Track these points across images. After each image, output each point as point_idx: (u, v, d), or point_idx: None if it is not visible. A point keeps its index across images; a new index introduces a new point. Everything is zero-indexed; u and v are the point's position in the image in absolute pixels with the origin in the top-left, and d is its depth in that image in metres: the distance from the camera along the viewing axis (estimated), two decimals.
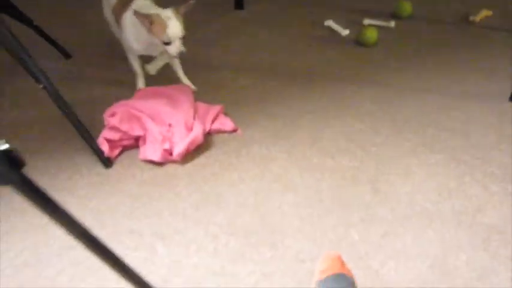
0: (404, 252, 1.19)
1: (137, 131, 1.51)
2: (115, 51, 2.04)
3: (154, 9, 1.55)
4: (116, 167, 1.48)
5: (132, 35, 1.61)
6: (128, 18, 1.61)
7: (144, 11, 1.52)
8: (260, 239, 1.24)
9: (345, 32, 2.18)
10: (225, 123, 1.62)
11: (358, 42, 2.11)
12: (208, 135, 1.59)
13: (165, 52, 1.60)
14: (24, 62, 1.39)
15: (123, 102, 1.57)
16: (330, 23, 2.24)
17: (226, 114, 1.66)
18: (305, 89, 1.82)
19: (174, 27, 1.50)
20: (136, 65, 1.76)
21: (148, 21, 1.49)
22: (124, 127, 1.49)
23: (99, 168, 1.47)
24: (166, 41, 1.51)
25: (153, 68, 1.83)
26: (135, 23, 1.56)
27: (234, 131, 1.61)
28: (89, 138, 1.46)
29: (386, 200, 1.35)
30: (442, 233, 1.24)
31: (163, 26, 1.49)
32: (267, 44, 2.11)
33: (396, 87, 1.83)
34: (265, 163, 1.49)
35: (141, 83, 1.79)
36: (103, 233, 1.25)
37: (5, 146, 0.56)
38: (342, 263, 1.03)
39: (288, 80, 1.87)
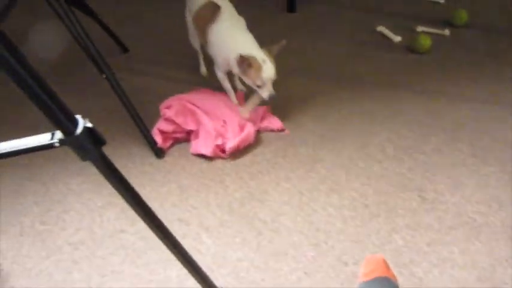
0: (451, 262, 1.18)
1: (190, 125, 1.56)
2: (171, 48, 2.12)
3: (243, 39, 1.54)
4: (168, 158, 1.54)
5: (222, 53, 1.58)
6: (216, 33, 1.58)
7: (230, 32, 1.54)
8: (303, 237, 1.26)
9: (397, 39, 2.16)
10: (273, 121, 1.65)
11: (411, 49, 2.08)
12: (256, 133, 1.62)
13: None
14: (90, 52, 1.48)
15: (179, 95, 1.63)
16: (381, 28, 2.23)
17: (274, 114, 1.69)
18: (354, 93, 1.83)
19: (269, 70, 1.49)
20: (225, 83, 1.67)
21: (246, 63, 1.48)
22: (178, 120, 1.55)
23: (152, 158, 1.53)
24: (259, 84, 1.51)
25: (245, 111, 1.62)
26: (225, 40, 1.56)
27: (282, 130, 1.63)
28: (144, 129, 1.53)
29: (434, 209, 1.33)
30: (490, 246, 1.22)
31: (259, 70, 1.48)
32: (317, 47, 2.12)
33: (448, 95, 1.80)
34: (311, 164, 1.50)
35: (234, 99, 1.69)
36: None
37: (90, 124, 0.61)
38: (387, 266, 1.03)
39: (337, 84, 1.88)
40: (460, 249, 1.21)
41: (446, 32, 2.19)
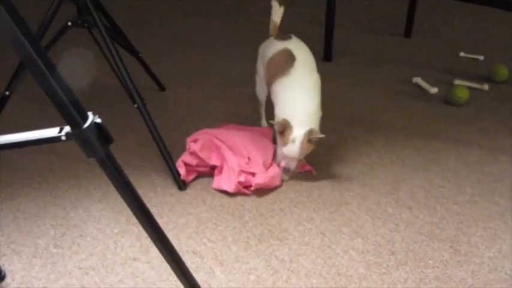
0: None
1: (214, 161, 1.55)
2: (205, 91, 2.16)
3: (299, 105, 1.47)
4: (189, 191, 1.51)
5: (276, 108, 1.52)
6: (280, 86, 1.51)
7: (292, 92, 1.49)
8: (322, 280, 1.18)
9: (433, 90, 2.11)
10: (300, 163, 1.61)
11: (448, 101, 2.03)
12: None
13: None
14: (125, 82, 1.53)
15: (206, 130, 1.63)
16: (418, 80, 2.20)
17: None
18: (386, 140, 1.77)
19: (290, 150, 1.45)
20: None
21: (279, 129, 1.45)
22: (203, 154, 1.54)
23: (174, 189, 1.51)
24: (279, 154, 1.51)
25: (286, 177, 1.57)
26: (284, 97, 1.51)
27: (309, 171, 1.59)
28: (169, 160, 1.53)
29: (467, 262, 1.22)
30: None
31: (284, 143, 1.45)
32: (351, 95, 2.11)
33: (486, 148, 1.71)
34: (336, 206, 1.44)
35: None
36: None
37: (99, 120, 0.61)
38: None
39: (369, 130, 1.84)
40: None
41: (485, 86, 2.13)
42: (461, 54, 2.49)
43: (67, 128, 0.60)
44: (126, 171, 1.59)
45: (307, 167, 1.59)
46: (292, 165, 1.51)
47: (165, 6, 3.21)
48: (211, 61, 2.43)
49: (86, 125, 0.59)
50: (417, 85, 2.19)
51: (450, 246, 1.27)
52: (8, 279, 1.19)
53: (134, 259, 1.25)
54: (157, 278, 1.19)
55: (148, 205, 1.44)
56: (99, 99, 2.04)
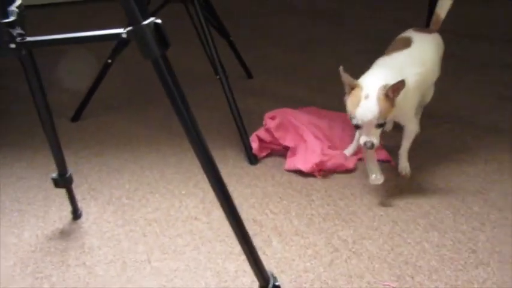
0: None
1: (288, 142, 1.51)
2: (292, 81, 2.15)
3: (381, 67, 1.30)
4: (260, 166, 1.49)
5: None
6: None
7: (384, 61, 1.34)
8: (386, 266, 1.07)
9: None
10: (380, 152, 1.50)
11: None
12: (359, 159, 1.49)
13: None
14: (211, 54, 1.57)
15: (286, 109, 1.61)
16: None
17: (383, 145, 1.55)
18: (483, 140, 1.59)
19: (364, 110, 1.18)
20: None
21: (348, 85, 1.23)
22: (277, 133, 1.51)
23: (245, 163, 1.50)
24: (354, 123, 1.22)
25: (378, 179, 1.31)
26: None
27: (388, 161, 1.48)
28: (243, 133, 1.53)
29: None
30: None
31: (354, 103, 1.20)
32: (448, 96, 1.93)
33: None
34: (414, 197, 1.31)
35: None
36: None
37: (159, 21, 0.61)
38: None
39: (464, 129, 1.66)
40: None
41: None
42: None
43: (130, 27, 0.62)
44: None
45: (384, 155, 1.48)
46: (374, 138, 1.20)
47: (263, 4, 3.29)
48: (305, 57, 2.41)
49: (145, 23, 0.60)
50: None
51: None
52: (83, 218, 1.27)
53: (195, 218, 1.25)
54: (213, 238, 1.18)
55: None
56: (185, 76, 2.13)
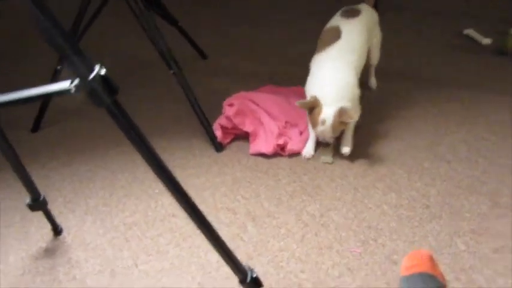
0: None
1: (247, 127, 1.56)
2: (246, 56, 2.18)
3: (334, 82, 1.39)
4: (226, 152, 1.56)
5: (308, 84, 1.48)
6: (316, 60, 1.49)
7: (327, 66, 1.43)
8: (352, 233, 1.18)
9: (486, 41, 1.98)
10: None
11: (501, 51, 1.89)
12: None
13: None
14: (161, 49, 1.58)
15: (243, 93, 1.66)
16: (469, 31, 2.06)
17: None
18: (431, 94, 1.70)
19: (322, 133, 1.39)
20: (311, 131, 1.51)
21: (310, 106, 1.39)
22: (236, 120, 1.57)
23: (211, 151, 1.57)
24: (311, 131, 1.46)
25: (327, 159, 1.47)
26: (315, 73, 1.47)
27: None
28: (206, 124, 1.58)
29: (506, 215, 1.17)
30: None
31: (313, 124, 1.39)
32: (400, 50, 2.02)
33: None
34: (371, 162, 1.42)
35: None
36: (202, 207, 1.29)
37: (104, 71, 0.65)
38: (433, 264, 0.92)
39: (414, 85, 1.77)
40: None
41: None
42: None
43: (76, 81, 0.65)
44: (168, 134, 1.68)
45: None
46: (329, 139, 1.42)
47: None
48: (257, 30, 2.43)
49: (91, 77, 0.63)
50: (468, 37, 2.06)
51: (490, 200, 1.22)
52: (64, 233, 1.32)
53: (173, 215, 1.33)
54: (193, 232, 1.25)
55: (186, 167, 1.51)
56: (137, 72, 2.13)
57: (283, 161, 1.48)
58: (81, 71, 0.63)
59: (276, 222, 1.25)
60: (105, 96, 0.65)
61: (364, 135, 1.54)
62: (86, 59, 0.65)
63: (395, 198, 1.27)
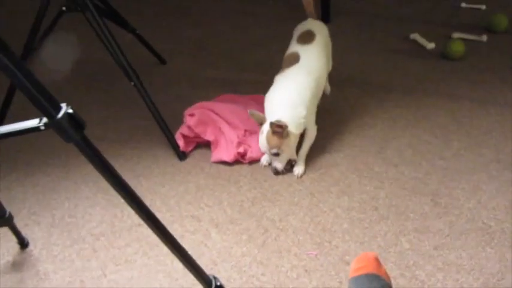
0: (457, 266, 1.14)
1: (208, 136, 1.62)
2: (206, 60, 2.23)
3: (283, 100, 1.49)
4: (189, 160, 1.62)
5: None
6: (275, 81, 1.57)
7: (281, 87, 1.52)
8: (308, 237, 1.28)
9: (430, 46, 2.12)
10: None
11: (444, 55, 2.04)
12: None
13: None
14: (119, 61, 1.61)
15: (203, 103, 1.71)
16: (415, 36, 2.20)
17: None
18: (379, 100, 1.82)
19: (261, 143, 1.48)
20: None
21: (257, 117, 1.50)
22: (198, 129, 1.62)
23: (174, 160, 1.62)
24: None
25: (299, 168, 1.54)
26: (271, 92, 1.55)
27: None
28: (168, 134, 1.63)
29: (446, 213, 1.30)
30: (502, 252, 1.16)
31: (259, 136, 1.50)
32: (348, 55, 2.14)
33: (477, 100, 1.74)
34: (326, 168, 1.52)
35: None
36: (167, 215, 1.39)
37: (70, 110, 0.70)
38: (378, 264, 1.03)
39: (363, 91, 1.88)
40: (468, 254, 1.17)
41: (484, 37, 2.12)
42: (463, 5, 2.45)
43: (44, 119, 0.70)
44: (131, 145, 1.72)
45: None
46: (277, 164, 1.48)
47: None
48: (213, 33, 2.48)
49: (59, 116, 0.68)
50: (414, 41, 2.19)
51: (431, 200, 1.35)
52: (30, 246, 1.35)
53: (139, 225, 1.38)
54: (159, 241, 1.31)
55: (150, 176, 1.56)
56: (102, 80, 2.14)
57: (244, 168, 1.55)
58: (48, 110, 0.68)
59: (238, 228, 1.33)
60: (73, 132, 0.70)
61: (319, 140, 1.63)
62: (52, 99, 0.69)
63: (347, 201, 1.38)
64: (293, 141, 1.49)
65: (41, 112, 0.69)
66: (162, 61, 2.26)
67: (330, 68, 1.78)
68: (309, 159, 1.56)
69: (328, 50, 1.73)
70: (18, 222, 1.34)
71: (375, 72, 2.00)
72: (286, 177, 1.50)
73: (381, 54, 2.13)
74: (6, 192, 1.53)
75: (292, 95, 1.50)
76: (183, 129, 1.64)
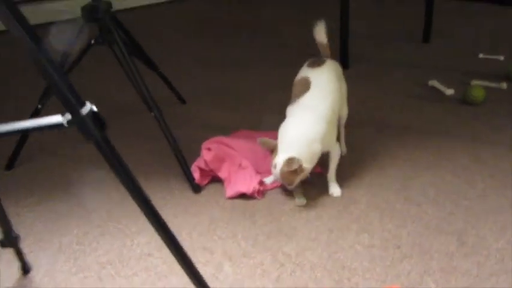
0: None
1: (222, 173, 1.59)
2: (227, 102, 2.25)
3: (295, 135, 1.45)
4: (204, 193, 1.58)
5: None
6: (288, 112, 1.54)
7: (293, 122, 1.49)
8: (326, 273, 1.21)
9: (449, 92, 2.11)
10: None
11: (464, 101, 2.02)
12: None
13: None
14: (142, 92, 1.63)
15: (221, 138, 1.69)
16: (434, 82, 2.20)
17: None
18: (399, 141, 1.79)
19: (275, 176, 1.46)
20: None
21: (268, 145, 1.49)
22: (213, 165, 1.59)
23: (189, 192, 1.58)
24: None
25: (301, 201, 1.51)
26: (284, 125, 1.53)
27: (319, 172, 1.62)
28: (184, 165, 1.60)
29: (473, 253, 1.22)
30: None
31: (271, 166, 1.46)
32: (366, 99, 2.13)
33: (500, 144, 1.70)
34: (345, 204, 1.46)
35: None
36: None
37: (95, 108, 0.69)
38: None
39: (382, 132, 1.86)
40: None
41: (504, 85, 2.11)
42: (481, 55, 2.47)
43: (68, 116, 0.69)
44: (149, 176, 1.69)
45: (317, 169, 1.63)
46: (289, 186, 1.46)
47: (188, 29, 3.37)
48: (232, 78, 2.52)
49: (84, 112, 0.67)
50: (433, 87, 2.19)
51: (457, 239, 1.28)
52: (33, 272, 1.29)
53: (149, 254, 1.32)
54: (169, 272, 1.25)
55: (164, 207, 1.53)
56: (121, 112, 2.17)
57: (260, 203, 1.51)
58: (73, 105, 0.67)
59: (252, 262, 1.26)
60: (95, 131, 0.69)
61: (338, 178, 1.59)
62: (77, 95, 0.68)
63: (368, 238, 1.31)
64: (307, 174, 1.46)
65: (66, 107, 0.68)
66: (182, 100, 2.28)
67: (346, 115, 1.73)
68: (328, 197, 1.51)
69: (341, 85, 1.65)
70: (25, 249, 1.30)
71: (394, 115, 1.99)
72: (303, 213, 1.44)
73: (400, 98, 2.13)
74: (16, 217, 1.49)
75: (307, 130, 1.46)
76: (200, 162, 1.62)
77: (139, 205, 0.81)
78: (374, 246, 1.28)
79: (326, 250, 1.28)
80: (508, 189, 1.46)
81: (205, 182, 1.62)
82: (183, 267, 0.89)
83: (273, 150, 1.47)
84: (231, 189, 1.56)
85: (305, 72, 1.60)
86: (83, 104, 0.68)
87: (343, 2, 2.35)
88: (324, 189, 1.54)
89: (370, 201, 1.46)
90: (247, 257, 1.28)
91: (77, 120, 0.67)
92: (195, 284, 0.91)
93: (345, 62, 2.51)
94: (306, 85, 1.54)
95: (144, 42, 1.97)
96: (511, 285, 1.11)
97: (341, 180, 1.58)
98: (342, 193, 1.51)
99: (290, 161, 1.38)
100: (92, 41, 1.70)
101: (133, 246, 1.36)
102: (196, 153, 1.66)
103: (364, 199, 1.48)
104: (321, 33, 1.64)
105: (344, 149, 1.73)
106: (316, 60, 1.64)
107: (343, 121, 1.71)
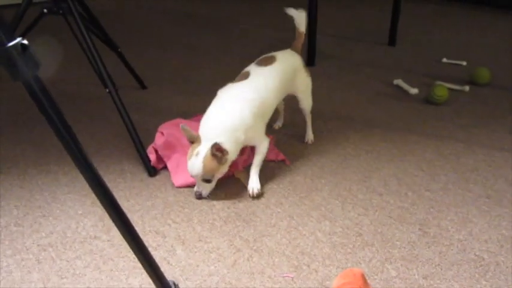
0: None
1: (171, 162, 1.50)
2: (189, 89, 2.17)
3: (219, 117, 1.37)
4: (159, 177, 1.49)
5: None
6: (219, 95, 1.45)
7: (221, 101, 1.41)
8: (285, 259, 1.14)
9: (414, 91, 2.11)
10: (275, 153, 1.59)
11: (428, 100, 2.03)
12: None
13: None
14: (97, 67, 1.53)
15: (179, 120, 1.61)
16: (399, 81, 2.20)
17: (277, 146, 1.64)
18: (363, 134, 1.76)
19: (191, 166, 1.32)
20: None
21: (190, 135, 1.35)
22: (162, 152, 1.50)
23: (144, 175, 1.49)
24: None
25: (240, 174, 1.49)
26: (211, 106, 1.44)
27: (282, 160, 1.57)
28: (139, 146, 1.51)
29: (435, 243, 1.19)
30: (498, 285, 1.05)
31: (188, 157, 1.33)
32: (332, 94, 2.11)
33: (463, 141, 1.70)
34: (307, 192, 1.41)
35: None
36: None
37: (26, 42, 0.59)
38: (365, 282, 0.90)
39: (347, 125, 1.83)
40: (461, 285, 1.05)
41: (466, 88, 2.13)
42: (444, 60, 2.50)
43: None
44: (99, 157, 1.58)
45: (281, 156, 1.57)
46: (202, 190, 1.35)
47: (156, 14, 3.27)
48: (196, 66, 2.45)
49: (10, 44, 0.58)
50: (398, 86, 2.19)
51: (419, 229, 1.24)
52: None
53: (95, 237, 1.22)
54: (116, 255, 1.15)
55: (115, 190, 1.42)
56: (75, 93, 2.04)
57: (218, 188, 1.43)
58: None
59: (207, 246, 1.18)
60: (24, 68, 0.59)
61: (300, 166, 1.54)
62: (7, 27, 0.59)
63: (329, 226, 1.26)
64: (227, 167, 1.37)
65: None
66: (142, 85, 2.18)
67: (309, 107, 1.68)
68: (289, 184, 1.45)
69: (298, 81, 1.60)
70: None
71: (359, 110, 1.96)
72: (263, 199, 1.38)
73: (365, 94, 2.11)
74: None
75: (231, 118, 1.36)
76: (156, 145, 1.53)
77: (81, 171, 0.71)
78: (335, 233, 1.23)
79: (285, 236, 1.22)
80: (471, 183, 1.45)
81: (162, 165, 1.53)
82: (132, 249, 0.80)
83: (193, 142, 1.35)
84: (180, 178, 1.46)
85: (250, 67, 1.53)
86: (11, 37, 0.58)
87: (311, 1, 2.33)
88: (285, 177, 1.49)
89: (332, 190, 1.42)
90: (202, 241, 1.20)
91: (2, 54, 0.57)
92: (144, 267, 0.82)
93: (311, 59, 2.49)
94: (245, 77, 1.48)
95: (111, 25, 1.87)
96: (473, 275, 1.08)
97: (304, 168, 1.53)
98: (305, 181, 1.46)
99: (217, 145, 1.28)
100: (45, 10, 1.58)
101: (78, 228, 1.25)
102: (153, 137, 1.57)
103: (327, 188, 1.43)
104: (301, 21, 1.63)
105: (311, 137, 1.70)
106: (266, 58, 1.56)
107: (307, 112, 1.68)
